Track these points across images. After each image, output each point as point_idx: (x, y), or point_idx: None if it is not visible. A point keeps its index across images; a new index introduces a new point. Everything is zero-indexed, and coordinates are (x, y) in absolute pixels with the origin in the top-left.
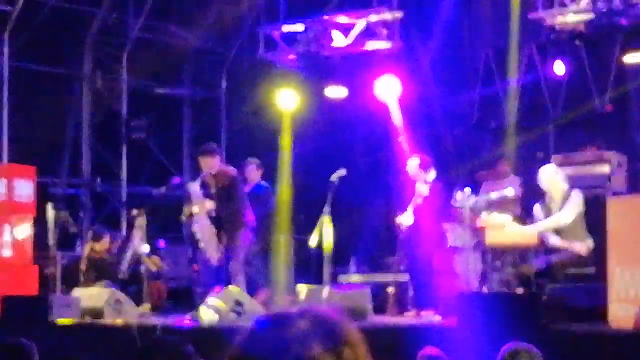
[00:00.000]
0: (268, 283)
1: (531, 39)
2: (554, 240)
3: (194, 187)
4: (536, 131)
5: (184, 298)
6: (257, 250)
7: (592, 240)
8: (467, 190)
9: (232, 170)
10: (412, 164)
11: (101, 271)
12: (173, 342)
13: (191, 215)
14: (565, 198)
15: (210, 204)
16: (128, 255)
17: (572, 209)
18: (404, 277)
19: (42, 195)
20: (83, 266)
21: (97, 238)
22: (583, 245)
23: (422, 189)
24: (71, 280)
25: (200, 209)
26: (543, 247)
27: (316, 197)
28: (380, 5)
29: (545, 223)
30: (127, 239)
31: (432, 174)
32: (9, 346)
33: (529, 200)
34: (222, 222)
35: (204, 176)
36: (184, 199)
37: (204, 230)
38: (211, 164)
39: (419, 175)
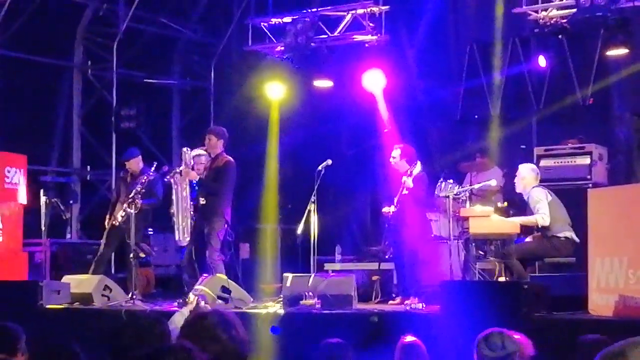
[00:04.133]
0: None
1: (515, 33)
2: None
3: (188, 153)
4: (519, 124)
5: (172, 285)
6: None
7: (573, 233)
8: (451, 181)
9: (231, 159)
10: (396, 154)
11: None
12: (147, 318)
13: (174, 174)
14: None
15: (194, 175)
16: None
17: (545, 208)
18: (389, 266)
19: (33, 183)
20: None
21: (127, 156)
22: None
23: (408, 180)
24: (61, 267)
25: (184, 175)
26: (524, 236)
27: (303, 187)
28: None
29: (526, 218)
30: None
31: (418, 167)
32: None
33: (512, 191)
34: (201, 205)
35: (202, 150)
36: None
37: (179, 203)
38: (214, 145)
39: (404, 167)
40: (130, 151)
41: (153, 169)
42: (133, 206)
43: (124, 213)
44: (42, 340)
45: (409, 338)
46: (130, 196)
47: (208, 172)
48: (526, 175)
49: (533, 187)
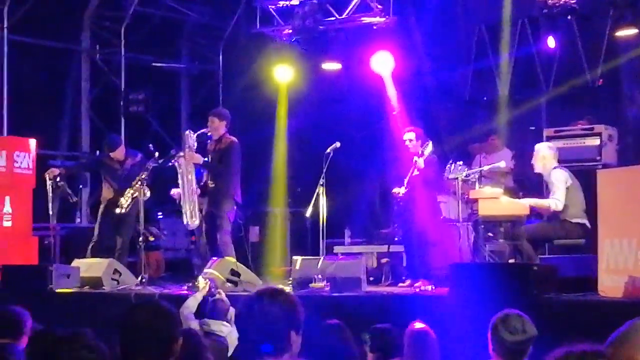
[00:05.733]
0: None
1: (524, 14)
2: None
3: (192, 136)
4: (528, 105)
5: (182, 269)
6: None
7: (586, 220)
8: (460, 162)
9: (234, 139)
10: (408, 136)
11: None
12: (156, 302)
13: (179, 158)
14: (549, 177)
15: (199, 158)
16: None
17: (561, 193)
18: (398, 248)
19: (42, 167)
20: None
21: (112, 147)
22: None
23: (419, 161)
24: (70, 251)
25: (188, 158)
26: (534, 218)
27: (312, 170)
28: None
29: (538, 201)
30: None
31: (429, 147)
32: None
33: (521, 172)
34: (210, 188)
35: (205, 132)
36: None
37: (185, 186)
38: (217, 126)
39: (416, 148)
40: (115, 140)
41: (156, 156)
42: (141, 193)
43: (130, 200)
44: (51, 324)
45: (419, 325)
46: (136, 184)
47: (213, 155)
48: (546, 154)
49: (554, 168)
